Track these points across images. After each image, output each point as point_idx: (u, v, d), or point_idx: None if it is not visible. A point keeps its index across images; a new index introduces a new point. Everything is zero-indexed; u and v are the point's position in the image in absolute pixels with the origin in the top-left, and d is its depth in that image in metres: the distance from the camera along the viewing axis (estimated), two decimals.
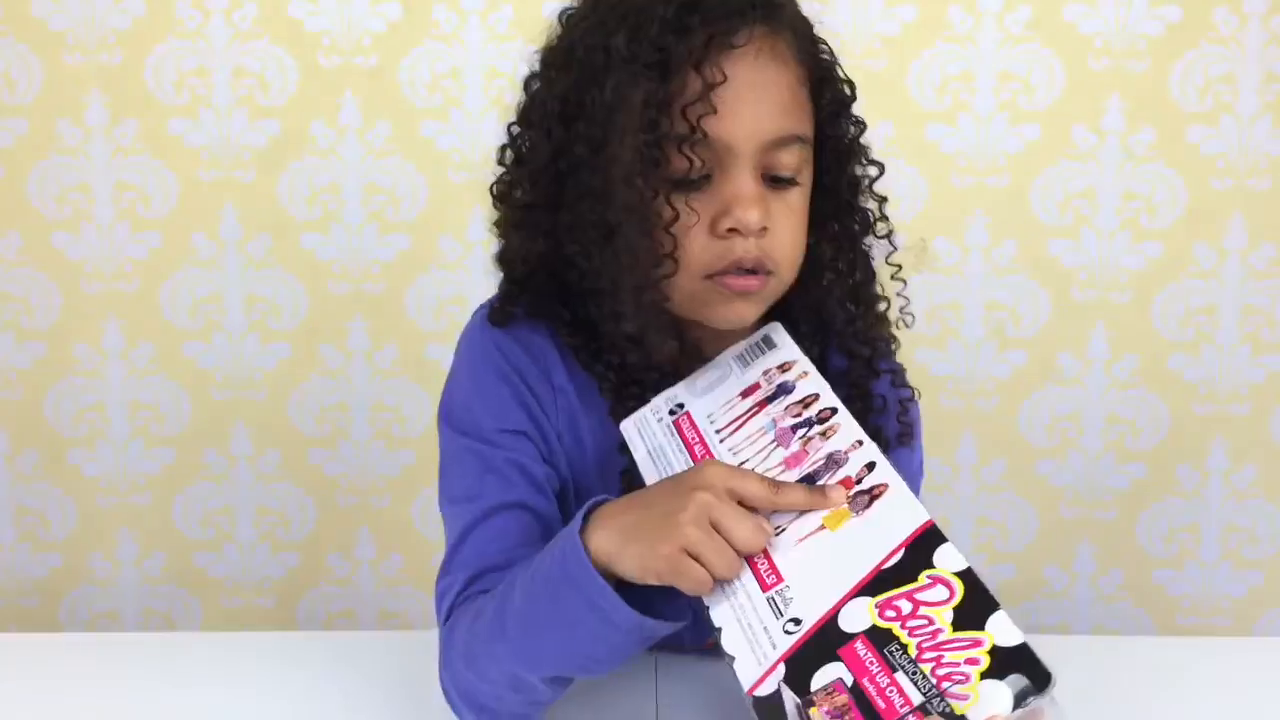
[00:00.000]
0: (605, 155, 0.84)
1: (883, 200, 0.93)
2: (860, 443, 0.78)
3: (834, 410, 0.81)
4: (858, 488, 0.76)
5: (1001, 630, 0.68)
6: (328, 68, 1.62)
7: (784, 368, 0.87)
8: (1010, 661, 0.68)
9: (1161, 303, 1.66)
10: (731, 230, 0.83)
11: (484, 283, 1.69)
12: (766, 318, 0.90)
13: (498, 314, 0.96)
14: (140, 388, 1.71)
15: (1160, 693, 1.03)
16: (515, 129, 0.92)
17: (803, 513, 0.76)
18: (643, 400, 0.89)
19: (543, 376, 0.93)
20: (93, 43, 1.62)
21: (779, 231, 0.85)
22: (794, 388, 0.84)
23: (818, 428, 0.81)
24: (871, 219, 0.92)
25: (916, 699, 0.67)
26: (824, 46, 0.91)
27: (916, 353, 1.67)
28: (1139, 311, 1.66)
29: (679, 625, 0.78)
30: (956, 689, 0.67)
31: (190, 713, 1.01)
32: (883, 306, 0.92)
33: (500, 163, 0.94)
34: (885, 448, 0.85)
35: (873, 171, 0.93)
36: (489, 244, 1.75)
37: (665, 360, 0.89)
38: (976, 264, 1.65)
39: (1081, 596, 1.74)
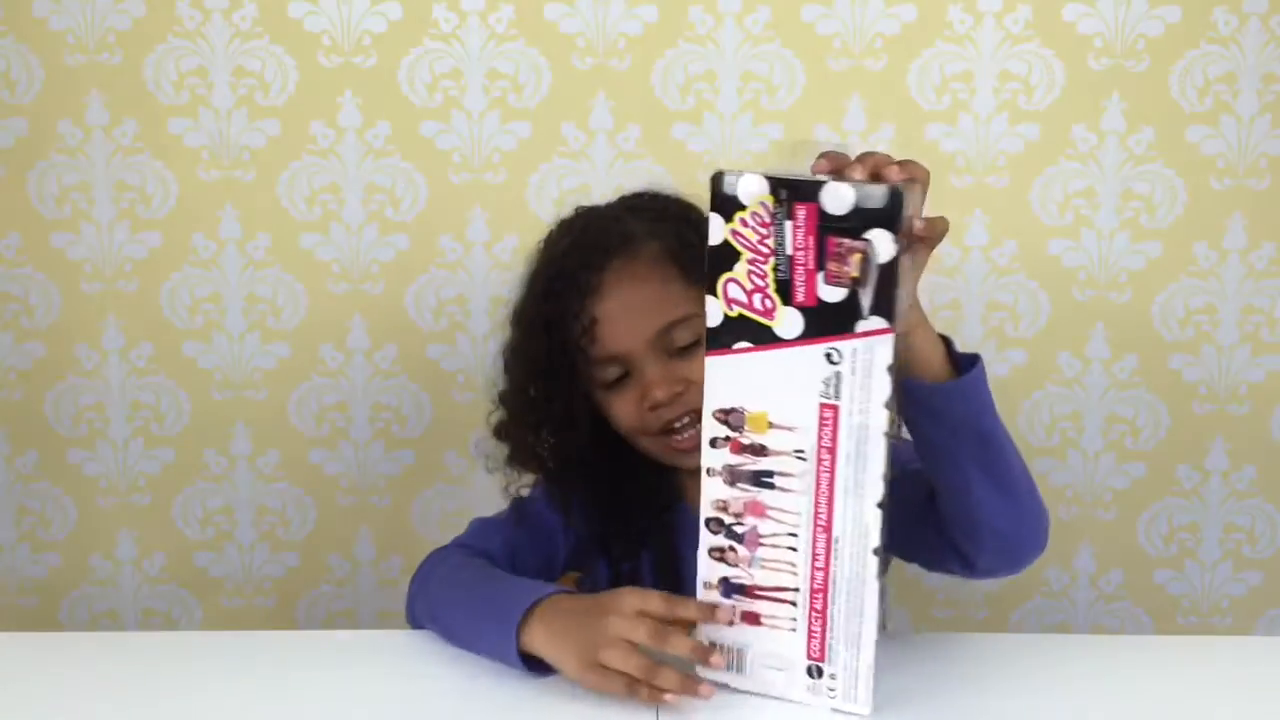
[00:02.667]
0: (549, 377, 1.18)
1: None
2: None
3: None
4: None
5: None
6: (328, 68, 1.62)
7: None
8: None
9: (1161, 303, 1.66)
10: (654, 406, 1.15)
11: (484, 283, 1.71)
12: None
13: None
14: (140, 388, 1.71)
15: (1160, 693, 1.03)
16: (504, 358, 1.25)
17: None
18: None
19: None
20: (93, 43, 1.62)
21: (699, 382, 1.01)
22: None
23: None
24: None
25: None
26: (691, 229, 1.15)
27: None
28: (1139, 311, 1.66)
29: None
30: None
31: (190, 713, 1.01)
32: None
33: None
34: None
35: None
36: (489, 244, 1.76)
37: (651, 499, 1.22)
38: (976, 264, 1.65)
39: (1081, 596, 1.74)
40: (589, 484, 1.22)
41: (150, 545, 1.75)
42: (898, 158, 0.91)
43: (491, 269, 1.65)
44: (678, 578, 1.18)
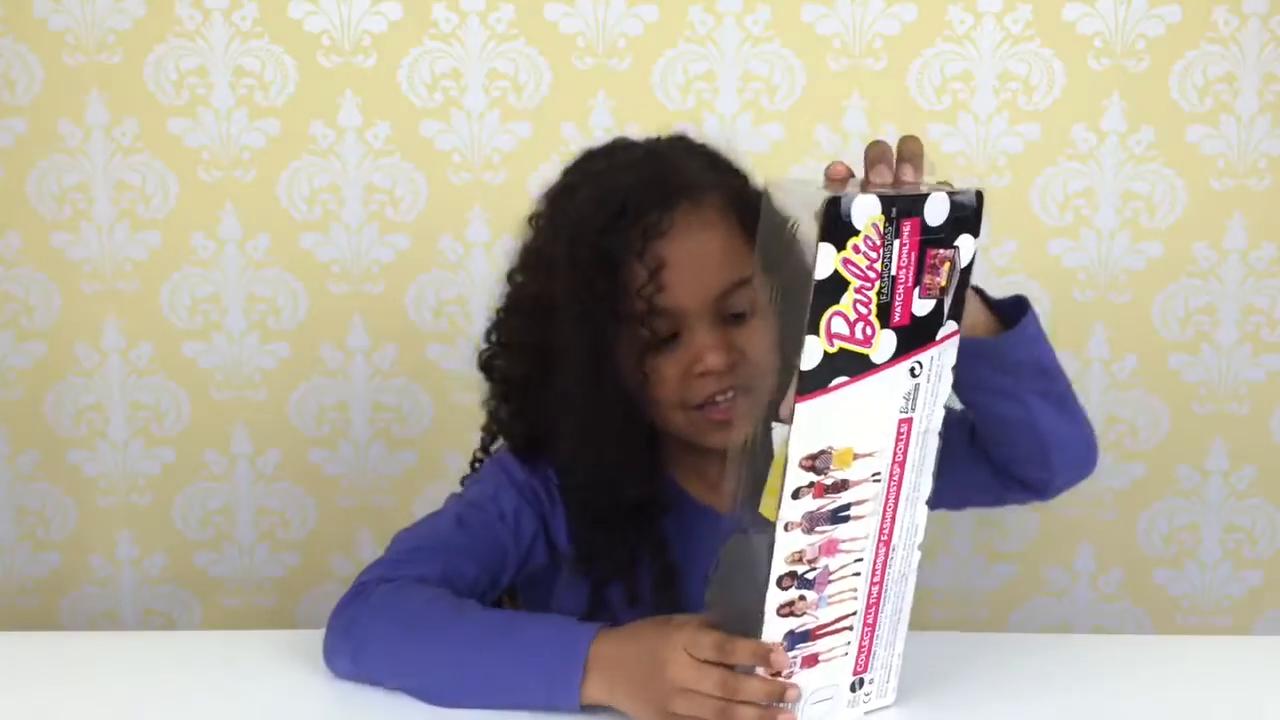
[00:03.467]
0: (572, 339, 1.04)
1: None
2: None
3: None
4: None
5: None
6: (328, 68, 1.62)
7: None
8: None
9: (1161, 303, 1.66)
10: (703, 374, 1.03)
11: (484, 283, 1.70)
12: None
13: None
14: (140, 388, 1.71)
15: (1160, 693, 1.03)
16: (500, 314, 1.13)
17: None
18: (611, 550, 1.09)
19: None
20: (93, 43, 1.62)
21: (752, 356, 0.99)
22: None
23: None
24: None
25: None
26: (747, 182, 1.09)
27: None
28: (1139, 311, 1.66)
29: None
30: None
31: (190, 713, 1.01)
32: None
33: (488, 340, 1.14)
34: None
35: None
36: (489, 244, 1.76)
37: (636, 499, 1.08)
38: (977, 264, 1.65)
39: (1081, 596, 1.74)
40: (585, 469, 1.08)
41: (150, 545, 1.75)
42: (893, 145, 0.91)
43: (491, 269, 1.65)
44: (678, 591, 1.09)
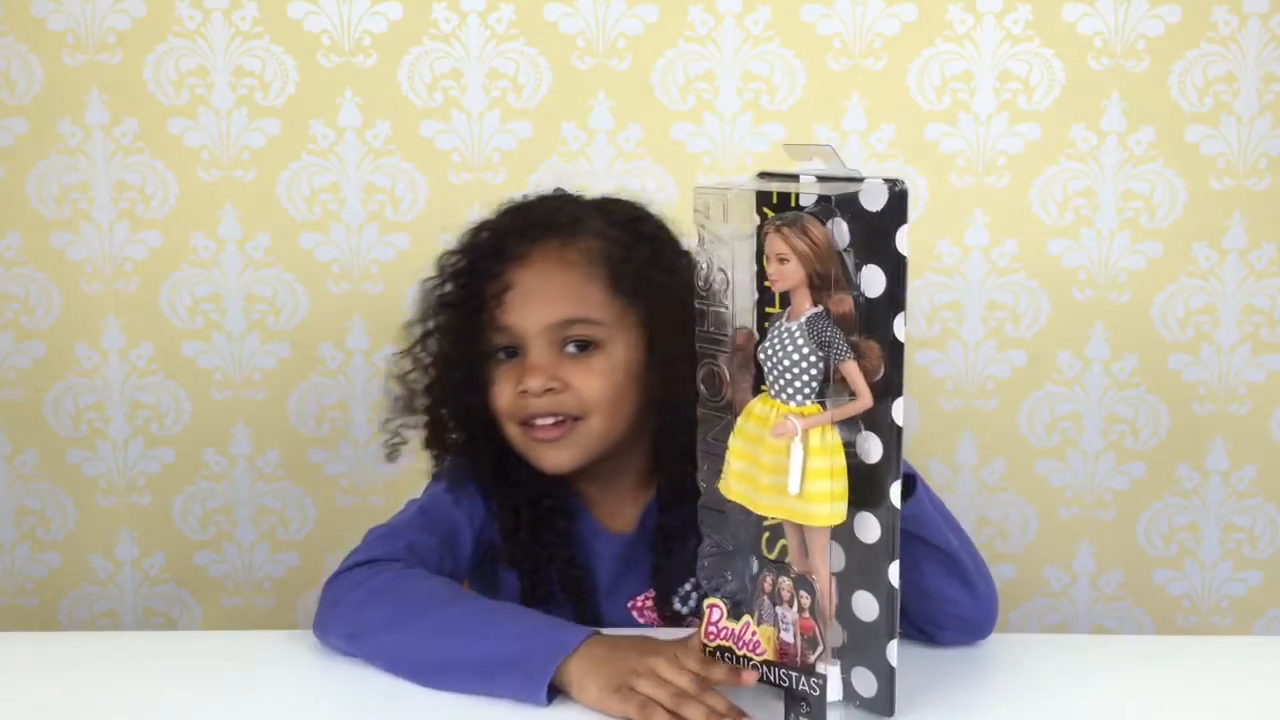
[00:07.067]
0: (452, 337, 1.18)
1: None
2: None
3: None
4: None
5: None
6: (328, 68, 1.62)
7: None
8: None
9: (1161, 303, 1.66)
10: (523, 393, 1.13)
11: None
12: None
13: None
14: (140, 388, 1.71)
15: (1160, 693, 1.03)
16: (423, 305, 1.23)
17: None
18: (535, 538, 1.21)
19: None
20: (93, 43, 1.62)
21: (579, 388, 1.13)
22: None
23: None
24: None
25: None
26: (645, 244, 1.17)
27: (917, 354, 1.67)
28: (1139, 311, 1.66)
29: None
30: None
31: (190, 713, 1.01)
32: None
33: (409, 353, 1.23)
34: None
35: None
36: None
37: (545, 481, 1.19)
38: (976, 264, 1.65)
39: (1081, 596, 1.74)
40: (493, 473, 1.20)
41: (150, 545, 1.75)
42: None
43: None
44: (585, 590, 1.20)
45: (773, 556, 0.93)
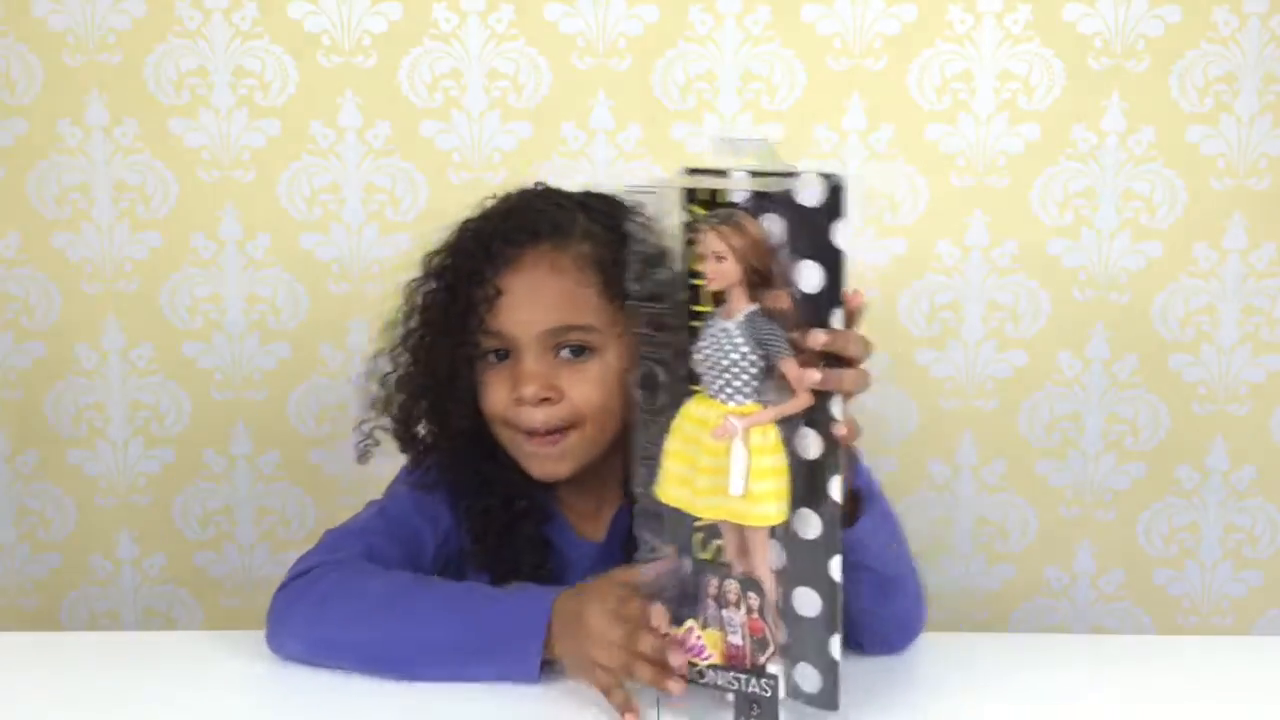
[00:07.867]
0: (440, 340, 1.16)
1: None
2: None
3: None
4: None
5: None
6: (328, 68, 1.62)
7: None
8: None
9: (1161, 303, 1.66)
10: (519, 400, 1.12)
11: None
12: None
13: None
14: (140, 388, 1.71)
15: (1160, 693, 1.03)
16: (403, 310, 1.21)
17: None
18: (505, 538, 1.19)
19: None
20: (93, 43, 1.62)
21: (574, 395, 1.12)
22: None
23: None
24: None
25: None
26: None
27: (916, 354, 1.67)
28: (1139, 311, 1.66)
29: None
30: None
31: (191, 713, 1.01)
32: None
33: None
34: None
35: None
36: None
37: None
38: (976, 264, 1.65)
39: (1081, 596, 1.74)
40: (467, 475, 1.19)
41: (150, 545, 1.75)
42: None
43: None
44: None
45: (708, 558, 0.92)
